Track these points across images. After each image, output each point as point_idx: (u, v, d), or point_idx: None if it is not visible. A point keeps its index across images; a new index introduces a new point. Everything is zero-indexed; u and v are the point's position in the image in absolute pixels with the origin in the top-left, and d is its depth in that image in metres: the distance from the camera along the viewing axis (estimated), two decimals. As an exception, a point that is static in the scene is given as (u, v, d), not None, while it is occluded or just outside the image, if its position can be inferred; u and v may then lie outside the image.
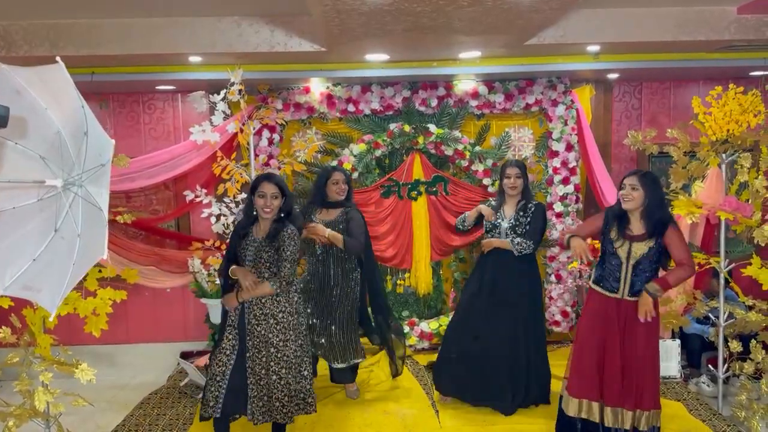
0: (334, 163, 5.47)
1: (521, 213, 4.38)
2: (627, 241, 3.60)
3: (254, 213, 3.66)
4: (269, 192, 3.57)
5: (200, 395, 4.72)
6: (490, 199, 4.71)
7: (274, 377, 3.60)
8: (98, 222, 1.89)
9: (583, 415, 3.71)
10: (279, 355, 3.60)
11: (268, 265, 3.59)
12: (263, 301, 3.61)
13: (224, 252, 3.88)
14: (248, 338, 3.63)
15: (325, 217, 4.47)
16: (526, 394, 4.41)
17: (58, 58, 1.97)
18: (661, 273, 3.65)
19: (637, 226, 3.62)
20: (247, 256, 3.64)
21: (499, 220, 4.43)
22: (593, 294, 3.78)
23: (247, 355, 3.63)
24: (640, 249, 3.57)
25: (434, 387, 4.70)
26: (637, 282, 3.61)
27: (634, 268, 3.59)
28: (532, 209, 4.38)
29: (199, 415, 3.69)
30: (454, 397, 4.58)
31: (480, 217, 4.55)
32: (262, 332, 3.61)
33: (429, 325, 5.66)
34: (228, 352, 3.65)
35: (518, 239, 4.32)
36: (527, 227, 4.34)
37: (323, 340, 4.50)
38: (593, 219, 3.91)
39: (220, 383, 3.62)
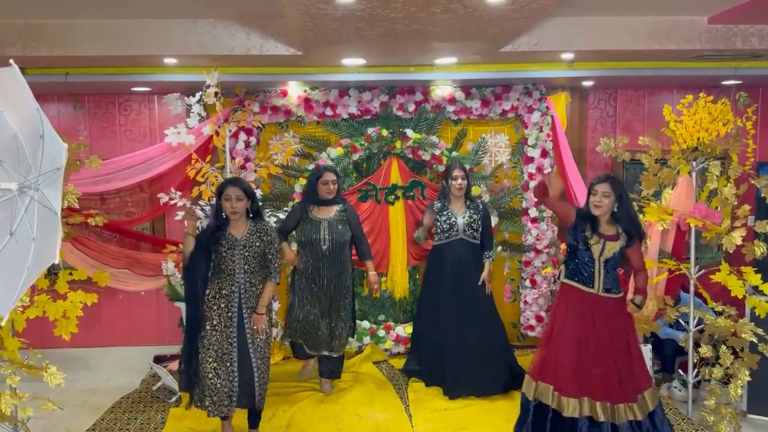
0: (311, 167, 5.47)
1: (472, 210, 4.84)
2: (602, 240, 3.75)
3: (224, 215, 3.88)
4: (234, 195, 3.82)
5: (173, 399, 4.70)
6: (434, 202, 5.03)
7: (260, 364, 3.91)
8: (52, 226, 1.87)
9: (586, 413, 3.70)
10: (263, 346, 3.93)
11: (258, 259, 3.90)
12: (258, 293, 3.92)
13: (193, 253, 3.86)
14: (248, 329, 3.88)
15: (323, 215, 4.62)
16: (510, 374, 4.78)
17: (11, 61, 1.95)
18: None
19: (606, 228, 3.78)
20: (236, 255, 3.84)
21: (453, 219, 4.79)
22: (569, 288, 3.86)
23: (251, 346, 3.88)
24: (612, 248, 3.74)
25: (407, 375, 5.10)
26: (607, 279, 3.76)
27: (605, 266, 3.75)
28: (481, 207, 4.91)
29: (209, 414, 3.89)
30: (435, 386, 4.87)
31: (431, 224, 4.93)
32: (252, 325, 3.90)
33: (405, 330, 5.67)
34: (218, 352, 3.83)
35: (489, 256, 4.90)
36: (479, 225, 4.83)
37: (321, 332, 4.63)
38: (570, 207, 3.97)
39: (233, 381, 3.83)
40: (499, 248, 5.64)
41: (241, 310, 3.86)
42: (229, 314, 3.85)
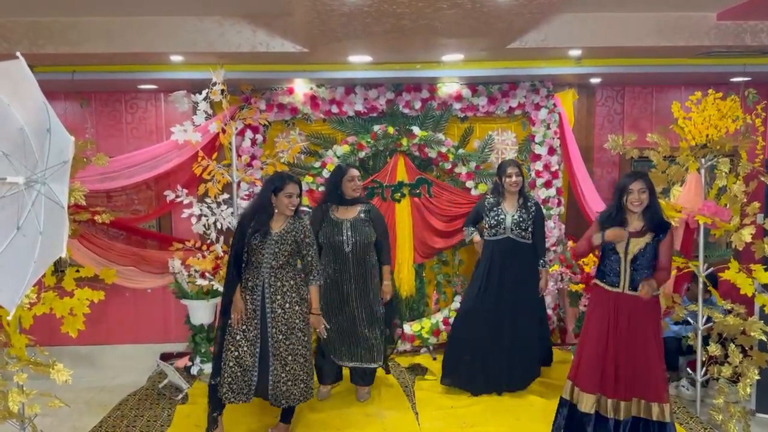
0: (317, 164, 5.47)
1: (523, 210, 4.67)
2: (626, 237, 3.72)
3: (273, 210, 3.87)
4: (296, 192, 3.86)
5: (180, 396, 4.71)
6: (488, 196, 4.87)
7: (302, 360, 3.88)
8: (59, 220, 1.87)
9: (599, 410, 3.77)
10: (304, 339, 3.90)
11: (287, 256, 3.87)
12: (285, 289, 3.86)
13: (233, 250, 3.92)
14: (271, 325, 3.85)
15: (345, 215, 4.46)
16: (539, 362, 4.88)
17: (18, 54, 1.94)
18: None
19: (634, 224, 3.74)
20: (266, 249, 3.84)
21: (501, 216, 4.67)
22: (597, 288, 3.89)
23: (271, 341, 3.85)
24: (637, 244, 3.70)
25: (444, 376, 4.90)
26: (636, 277, 3.73)
27: (632, 263, 3.72)
28: (533, 209, 4.71)
29: (217, 400, 3.91)
30: (461, 388, 4.80)
31: (479, 218, 4.84)
32: (288, 318, 3.86)
33: (411, 328, 5.65)
34: (242, 341, 3.85)
35: (544, 264, 4.76)
36: (529, 225, 4.66)
37: (351, 342, 4.54)
38: (590, 231, 3.94)
39: (251, 373, 3.85)
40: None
41: (264, 304, 3.85)
42: (253, 307, 3.86)
